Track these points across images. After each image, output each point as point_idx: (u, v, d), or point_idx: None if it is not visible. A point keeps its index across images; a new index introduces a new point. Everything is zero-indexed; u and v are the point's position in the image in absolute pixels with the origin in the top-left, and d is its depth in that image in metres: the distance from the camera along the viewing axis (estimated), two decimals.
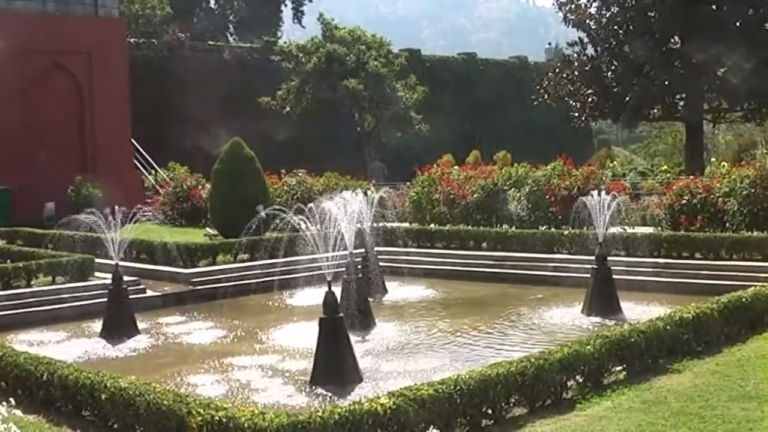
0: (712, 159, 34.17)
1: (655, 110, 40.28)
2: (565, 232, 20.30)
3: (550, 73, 41.90)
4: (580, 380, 9.56)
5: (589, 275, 15.49)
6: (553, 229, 21.49)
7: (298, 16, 75.76)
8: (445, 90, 63.46)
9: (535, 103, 42.95)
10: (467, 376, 8.49)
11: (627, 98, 37.45)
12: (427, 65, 64.62)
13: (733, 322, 11.61)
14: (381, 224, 20.67)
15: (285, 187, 29.11)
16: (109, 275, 15.85)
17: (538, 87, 42.30)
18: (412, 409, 7.82)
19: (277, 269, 17.75)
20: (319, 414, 7.44)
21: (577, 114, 40.85)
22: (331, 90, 50.97)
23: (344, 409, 7.55)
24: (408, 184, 28.40)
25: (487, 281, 19.81)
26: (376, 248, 18.82)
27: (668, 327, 10.60)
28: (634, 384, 9.64)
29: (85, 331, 15.88)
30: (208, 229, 26.79)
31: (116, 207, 15.86)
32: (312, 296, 15.66)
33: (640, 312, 14.96)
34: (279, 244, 18.55)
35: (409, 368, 12.14)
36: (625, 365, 10.06)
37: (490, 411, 8.57)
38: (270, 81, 53.02)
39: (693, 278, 17.24)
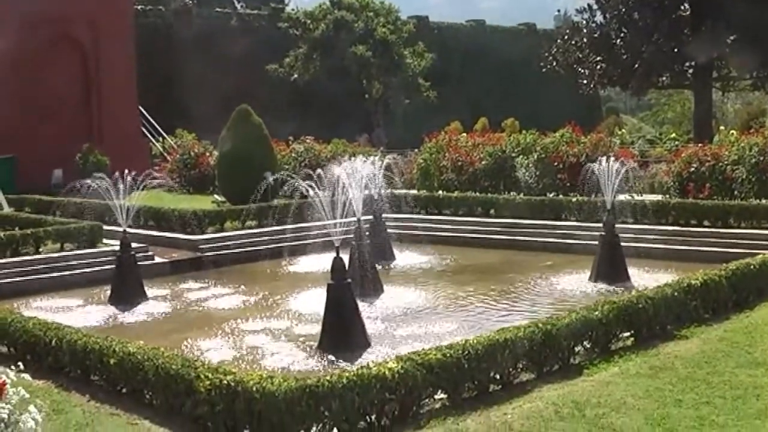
0: (721, 127, 33.97)
1: (664, 78, 40.12)
2: (573, 199, 20.27)
3: (558, 40, 41.71)
4: (588, 346, 9.59)
5: (597, 242, 15.46)
6: (561, 196, 21.46)
7: None
8: (453, 57, 63.03)
9: (544, 70, 42.76)
10: (475, 341, 8.50)
11: (636, 65, 37.26)
12: (435, 32, 64.12)
13: (741, 289, 11.59)
14: (389, 190, 20.62)
15: (293, 154, 29.08)
16: (118, 242, 15.90)
17: (546, 54, 42.09)
18: (420, 374, 7.85)
19: (285, 235, 17.74)
20: (327, 378, 7.46)
21: (585, 81, 40.69)
22: (339, 57, 50.76)
23: (352, 374, 7.58)
24: (416, 150, 28.32)
25: (494, 248, 19.74)
26: (384, 215, 18.81)
27: (676, 293, 10.58)
28: (641, 350, 9.66)
29: (93, 297, 15.91)
30: (215, 196, 26.80)
31: (126, 171, 15.86)
32: (320, 262, 15.66)
33: (647, 279, 14.92)
34: (287, 210, 18.54)
35: (417, 333, 12.17)
36: (632, 331, 10.07)
37: (497, 376, 8.60)
38: (277, 48, 52.75)
39: (701, 246, 17.19)
